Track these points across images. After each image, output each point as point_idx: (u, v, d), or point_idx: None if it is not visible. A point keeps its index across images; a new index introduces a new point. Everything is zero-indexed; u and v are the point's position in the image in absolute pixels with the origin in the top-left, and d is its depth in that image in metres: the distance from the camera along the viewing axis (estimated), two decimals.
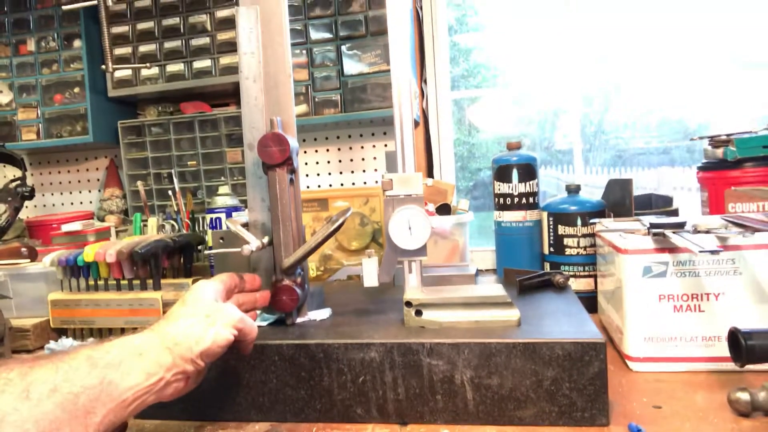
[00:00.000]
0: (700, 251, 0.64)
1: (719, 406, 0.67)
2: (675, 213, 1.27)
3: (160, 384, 0.54)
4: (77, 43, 1.75)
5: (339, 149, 1.75)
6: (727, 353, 0.71)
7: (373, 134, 1.72)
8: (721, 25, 1.57)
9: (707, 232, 0.81)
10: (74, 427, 0.47)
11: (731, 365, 0.75)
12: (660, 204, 1.32)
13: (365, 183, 1.75)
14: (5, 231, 1.49)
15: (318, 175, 1.77)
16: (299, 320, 0.81)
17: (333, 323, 0.79)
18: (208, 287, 0.66)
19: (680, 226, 0.82)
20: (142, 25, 1.68)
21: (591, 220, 1.09)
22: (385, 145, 1.72)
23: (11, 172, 1.77)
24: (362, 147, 1.74)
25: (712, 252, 0.64)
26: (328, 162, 1.76)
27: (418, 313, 0.73)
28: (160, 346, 0.56)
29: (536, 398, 0.64)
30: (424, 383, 0.66)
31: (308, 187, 1.76)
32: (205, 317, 0.60)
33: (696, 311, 0.79)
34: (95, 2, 1.58)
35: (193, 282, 1.11)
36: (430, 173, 1.77)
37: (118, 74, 1.71)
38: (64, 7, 1.65)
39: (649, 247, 0.80)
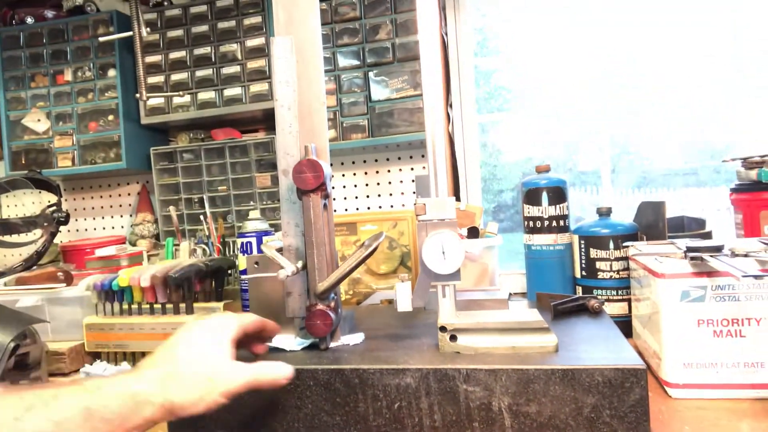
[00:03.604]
0: (743, 276, 0.63)
1: None
2: (708, 236, 1.25)
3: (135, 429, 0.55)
4: (112, 72, 1.81)
5: (366, 173, 1.77)
6: None
7: (399, 158, 1.74)
8: (747, 45, 1.56)
9: (746, 255, 0.80)
10: None
11: None
12: (693, 227, 1.30)
13: (392, 206, 1.75)
14: (42, 255, 1.53)
15: (345, 198, 1.78)
16: (333, 345, 0.81)
17: (367, 348, 0.79)
18: (227, 333, 0.64)
19: (718, 249, 0.81)
20: (174, 55, 1.73)
21: (624, 244, 1.08)
22: (412, 169, 1.73)
23: (47, 197, 1.82)
24: (389, 171, 1.75)
25: (756, 277, 0.63)
26: (355, 186, 1.78)
27: (453, 338, 0.73)
28: (156, 403, 0.55)
29: (576, 426, 0.63)
30: (461, 410, 0.66)
31: (335, 210, 1.77)
32: (208, 380, 0.58)
33: (737, 336, 0.77)
34: (130, 33, 1.64)
35: (225, 306, 1.12)
36: (456, 196, 1.77)
37: (151, 102, 1.75)
38: (101, 39, 1.70)
39: (686, 272, 0.78)
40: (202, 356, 0.60)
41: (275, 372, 0.64)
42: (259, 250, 1.26)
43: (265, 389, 0.65)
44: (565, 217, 1.20)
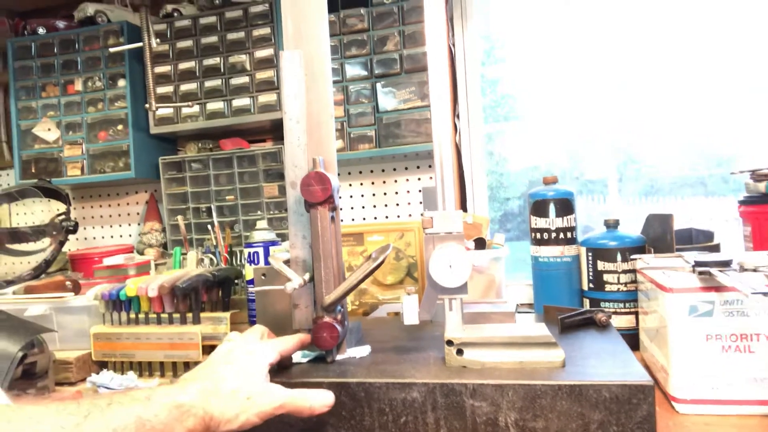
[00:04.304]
0: (752, 293, 0.63)
1: None
2: (717, 248, 1.24)
3: None
4: (122, 82, 1.82)
5: (373, 183, 1.77)
6: None
7: (406, 168, 1.74)
8: (754, 50, 1.56)
9: (754, 270, 0.79)
10: None
11: None
12: (701, 239, 1.29)
13: (398, 217, 1.76)
14: (50, 264, 1.54)
15: (352, 208, 1.79)
16: (339, 357, 0.81)
17: (373, 361, 0.79)
18: (266, 356, 0.67)
19: (726, 264, 0.80)
20: (183, 65, 1.75)
21: (632, 257, 1.08)
22: (419, 179, 1.73)
23: (56, 206, 1.83)
24: (396, 181, 1.75)
25: (765, 294, 0.63)
26: (362, 196, 1.78)
27: (460, 352, 0.73)
28: (198, 415, 0.57)
29: None
30: (467, 425, 0.66)
31: (342, 220, 1.77)
32: (246, 399, 0.60)
33: (745, 352, 0.76)
34: (140, 44, 1.65)
35: (231, 317, 1.12)
36: (463, 206, 1.77)
37: (160, 112, 1.77)
38: (111, 49, 1.72)
39: (694, 286, 0.78)
40: (242, 377, 0.63)
41: (312, 399, 0.65)
42: (266, 260, 1.26)
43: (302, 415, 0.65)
44: (572, 229, 1.20)
